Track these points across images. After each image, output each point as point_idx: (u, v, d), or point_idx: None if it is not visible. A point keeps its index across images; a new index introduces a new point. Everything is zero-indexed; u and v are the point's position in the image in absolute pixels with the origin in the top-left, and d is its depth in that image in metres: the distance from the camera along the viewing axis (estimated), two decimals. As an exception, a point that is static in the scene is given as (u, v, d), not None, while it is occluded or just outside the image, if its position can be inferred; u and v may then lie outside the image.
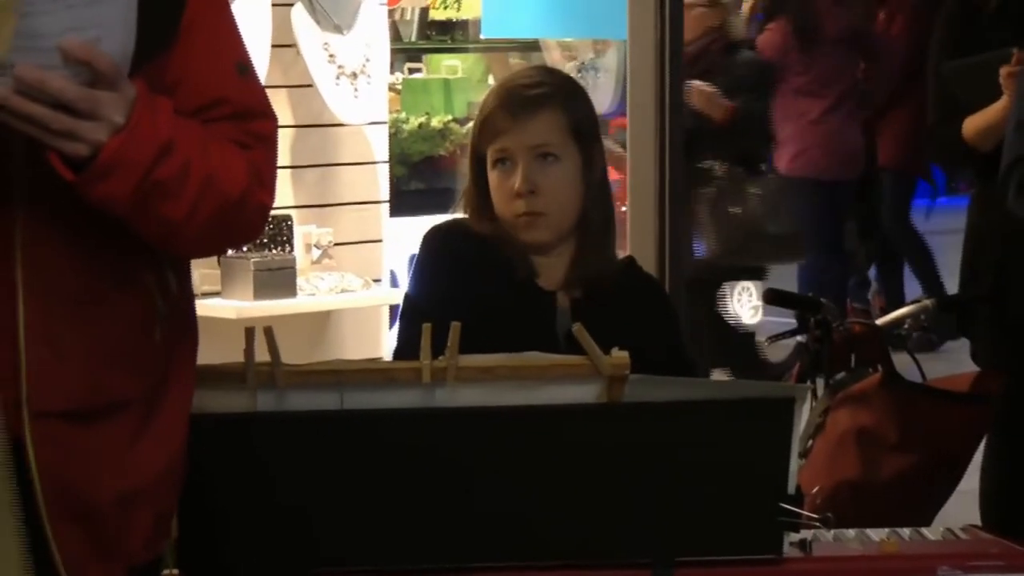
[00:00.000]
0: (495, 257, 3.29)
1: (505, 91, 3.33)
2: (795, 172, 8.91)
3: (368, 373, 2.85)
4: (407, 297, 3.46)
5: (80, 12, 2.17)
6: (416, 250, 3.40)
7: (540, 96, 3.30)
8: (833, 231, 9.09)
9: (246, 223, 2.47)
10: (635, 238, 5.27)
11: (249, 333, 2.77)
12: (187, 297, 2.52)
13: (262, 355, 2.77)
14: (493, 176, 3.28)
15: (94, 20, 2.18)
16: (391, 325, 6.28)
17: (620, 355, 2.79)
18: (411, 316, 3.31)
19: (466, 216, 3.40)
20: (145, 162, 2.26)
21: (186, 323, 2.51)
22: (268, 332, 2.77)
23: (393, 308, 6.24)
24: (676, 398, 2.83)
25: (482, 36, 7.61)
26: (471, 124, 3.44)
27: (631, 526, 2.79)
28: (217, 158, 2.36)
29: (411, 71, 8.42)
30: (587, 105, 3.41)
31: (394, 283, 6.57)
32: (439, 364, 2.79)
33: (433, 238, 3.42)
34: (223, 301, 5.91)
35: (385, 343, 6.30)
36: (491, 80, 8.48)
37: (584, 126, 3.34)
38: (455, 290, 3.24)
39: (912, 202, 9.52)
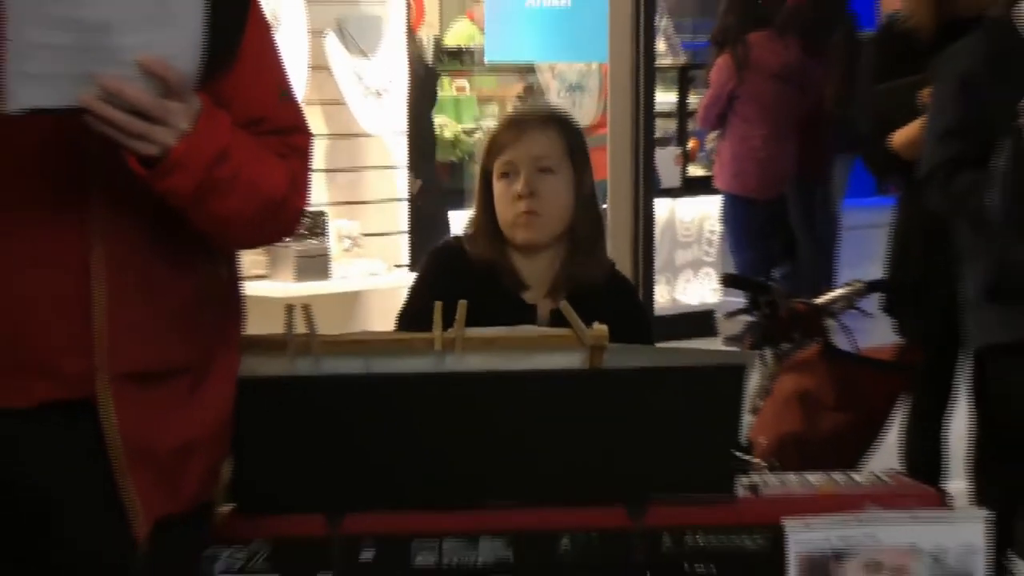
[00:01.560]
0: (485, 273, 3.31)
1: (511, 116, 3.35)
2: (732, 190, 8.85)
3: (389, 343, 2.86)
4: (402, 310, 3.45)
5: (157, 34, 2.17)
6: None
7: (542, 118, 3.32)
8: (762, 241, 9.01)
9: (284, 222, 2.47)
10: (615, 231, 5.28)
11: (289, 310, 2.78)
12: (234, 281, 2.51)
13: (301, 329, 2.78)
14: (498, 187, 3.29)
15: (168, 41, 2.19)
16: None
17: (600, 328, 2.80)
18: (407, 322, 3.33)
19: (463, 236, 3.41)
20: (205, 163, 2.26)
21: (234, 303, 2.51)
22: (306, 309, 2.78)
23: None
24: (646, 365, 2.84)
25: (486, 60, 7.62)
26: (478, 135, 3.46)
27: (609, 471, 2.79)
28: (262, 166, 2.36)
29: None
30: (580, 135, 3.43)
31: (413, 268, 6.57)
32: (449, 335, 2.80)
33: (432, 257, 3.44)
34: (269, 283, 5.92)
35: (405, 318, 6.30)
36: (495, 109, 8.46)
37: (577, 149, 3.36)
38: (449, 300, 3.25)
39: (814, 207, 9.39)
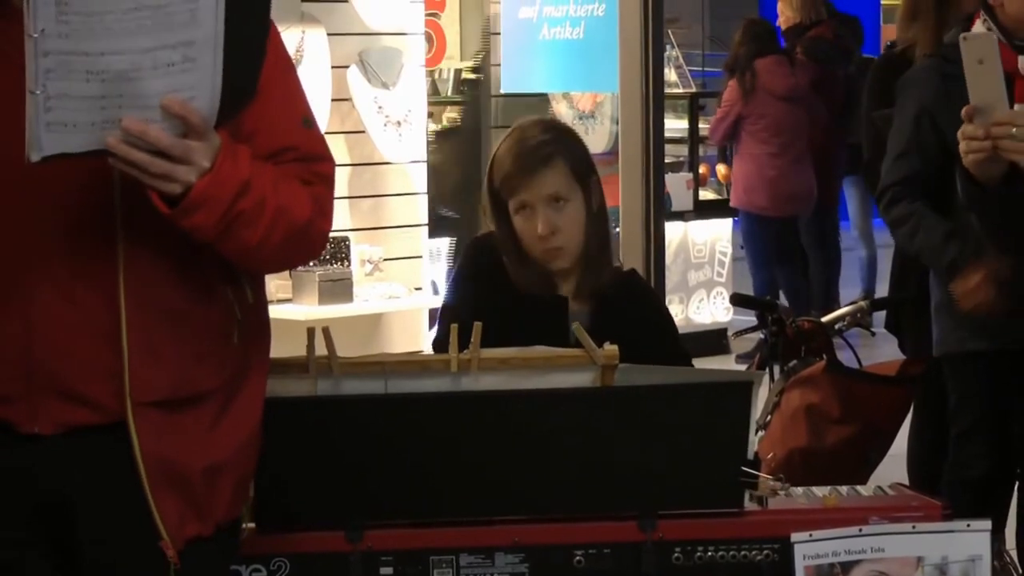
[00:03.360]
0: (521, 272, 3.30)
1: (517, 151, 3.31)
2: (745, 207, 8.87)
3: (407, 364, 2.84)
4: (445, 300, 3.46)
5: (176, 77, 2.16)
6: (450, 264, 3.41)
7: (547, 154, 3.29)
8: (767, 258, 9.01)
9: (309, 246, 2.45)
10: (627, 252, 5.27)
11: (310, 332, 2.77)
12: (261, 305, 2.50)
13: (322, 350, 2.77)
14: (517, 220, 3.27)
15: (188, 83, 2.18)
16: (430, 326, 6.28)
17: (611, 348, 2.78)
18: (447, 316, 3.32)
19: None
20: (227, 199, 2.25)
21: (260, 326, 2.49)
22: (326, 331, 2.77)
23: (432, 311, 6.24)
24: (657, 383, 2.83)
25: (501, 91, 7.62)
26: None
27: (621, 486, 2.77)
28: (286, 194, 2.34)
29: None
30: (581, 146, 3.39)
31: (435, 291, 6.56)
32: (464, 356, 2.78)
33: (470, 250, 3.43)
34: (293, 306, 5.91)
35: (425, 339, 6.30)
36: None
37: (582, 166, 3.33)
38: (485, 295, 3.24)
39: (824, 226, 9.37)
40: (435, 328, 3.46)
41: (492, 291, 3.26)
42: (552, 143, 3.31)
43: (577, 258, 3.30)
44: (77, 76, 2.12)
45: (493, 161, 3.35)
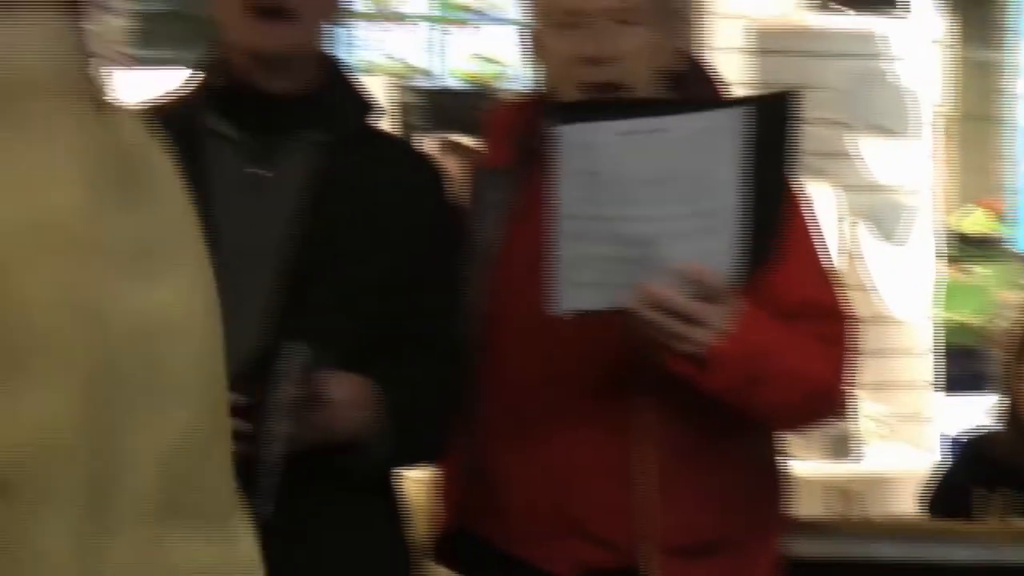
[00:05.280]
0: None
1: None
2: None
3: (926, 529, 2.72)
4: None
5: (697, 244, 2.19)
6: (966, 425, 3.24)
7: None
8: None
9: (826, 408, 2.40)
10: None
11: (826, 491, 2.67)
12: (776, 459, 2.45)
13: (836, 510, 2.66)
14: None
15: (707, 249, 2.20)
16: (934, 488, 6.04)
17: None
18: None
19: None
20: (745, 361, 2.22)
21: (776, 481, 2.43)
22: (850, 491, 2.66)
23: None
24: None
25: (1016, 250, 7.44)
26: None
27: None
28: (805, 355, 2.29)
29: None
30: None
31: (942, 452, 6.33)
32: (995, 526, 2.62)
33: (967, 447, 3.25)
34: (798, 463, 5.80)
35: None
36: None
37: None
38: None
39: None
40: (936, 489, 3.29)
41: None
42: None
43: None
44: (598, 239, 2.20)
45: None
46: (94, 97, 1.31)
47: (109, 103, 1.33)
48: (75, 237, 1.26)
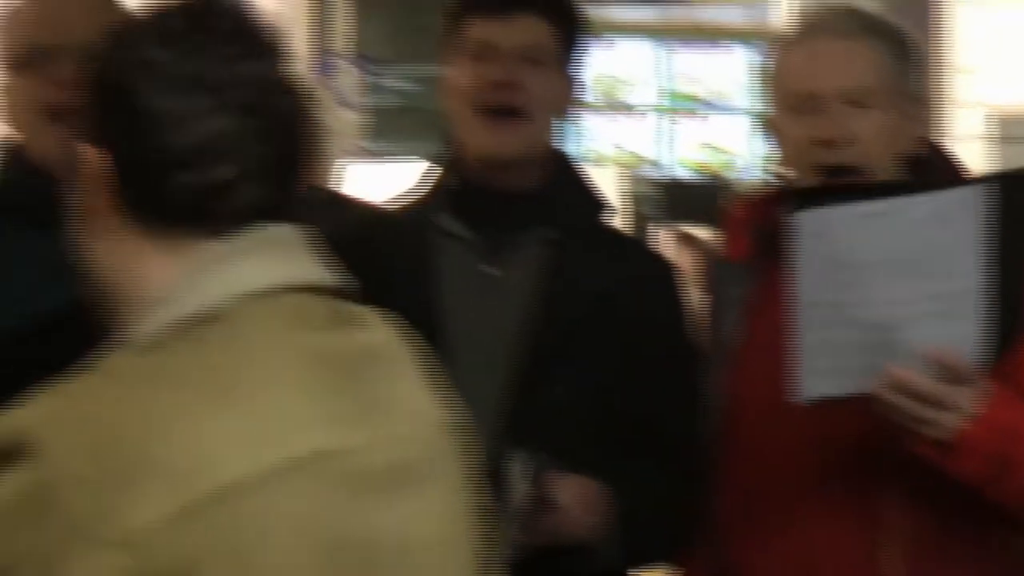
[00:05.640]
0: None
1: None
2: None
3: None
4: None
5: (939, 327, 2.13)
6: None
7: None
8: None
9: None
10: None
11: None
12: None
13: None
14: None
15: (949, 332, 2.13)
16: None
17: None
18: None
19: None
20: (995, 445, 2.13)
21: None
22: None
23: None
24: None
25: None
26: None
27: None
28: None
29: None
30: None
31: None
32: None
33: None
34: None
35: None
36: None
37: None
38: None
39: None
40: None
41: None
42: None
43: None
44: (839, 325, 2.15)
45: None
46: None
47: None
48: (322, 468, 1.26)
